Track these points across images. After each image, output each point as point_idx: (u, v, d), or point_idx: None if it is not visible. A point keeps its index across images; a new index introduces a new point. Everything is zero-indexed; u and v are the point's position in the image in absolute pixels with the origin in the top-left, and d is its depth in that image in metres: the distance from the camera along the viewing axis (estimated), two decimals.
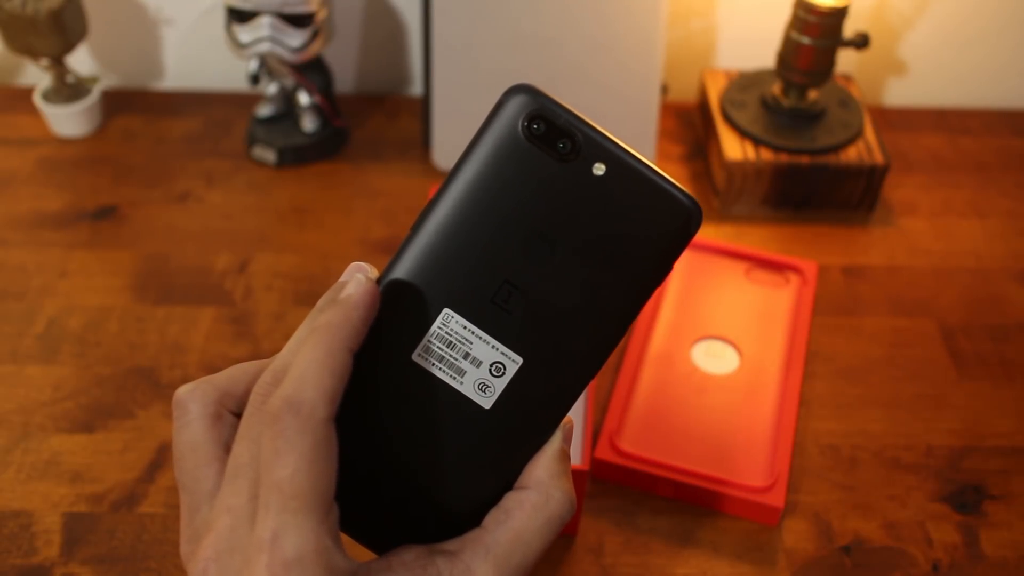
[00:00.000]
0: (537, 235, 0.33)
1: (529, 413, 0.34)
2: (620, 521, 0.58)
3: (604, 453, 0.59)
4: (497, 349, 0.34)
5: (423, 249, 0.34)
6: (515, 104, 0.33)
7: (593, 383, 0.59)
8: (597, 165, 0.33)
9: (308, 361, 0.31)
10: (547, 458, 0.34)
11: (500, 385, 0.34)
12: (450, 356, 0.34)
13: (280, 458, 0.30)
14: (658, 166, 0.33)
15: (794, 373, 0.65)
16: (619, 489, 0.59)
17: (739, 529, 0.58)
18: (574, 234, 0.33)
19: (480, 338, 0.34)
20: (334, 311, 0.32)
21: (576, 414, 0.59)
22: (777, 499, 0.57)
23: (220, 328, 0.68)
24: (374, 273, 0.34)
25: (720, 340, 0.67)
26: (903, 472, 0.61)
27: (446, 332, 0.34)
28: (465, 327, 0.34)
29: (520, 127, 0.33)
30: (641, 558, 0.56)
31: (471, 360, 0.34)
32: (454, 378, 0.34)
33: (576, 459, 0.57)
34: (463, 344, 0.34)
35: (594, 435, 0.60)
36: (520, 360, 0.34)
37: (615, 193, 0.33)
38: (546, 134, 0.33)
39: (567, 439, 0.35)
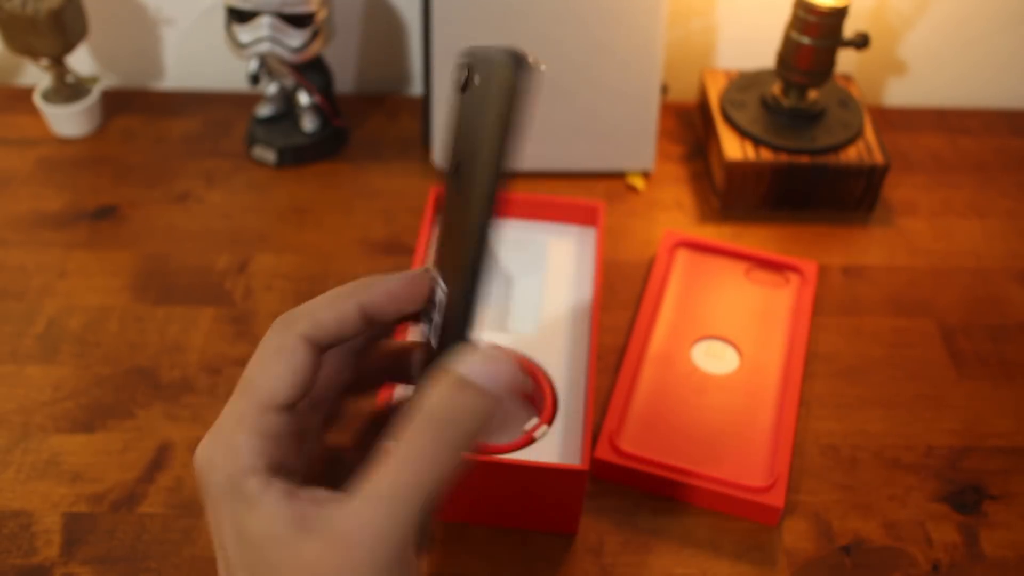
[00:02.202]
0: (455, 169, 0.35)
1: (450, 335, 0.35)
2: (620, 521, 0.58)
3: (604, 453, 0.59)
4: (441, 288, 0.36)
5: None
6: (456, 70, 0.35)
7: (593, 382, 0.59)
8: (476, 77, 0.33)
9: (326, 297, 0.36)
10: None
11: (439, 319, 0.36)
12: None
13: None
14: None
15: (794, 373, 0.65)
16: (619, 489, 0.59)
17: (739, 529, 0.58)
18: (464, 148, 0.34)
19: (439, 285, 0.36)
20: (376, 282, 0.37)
21: (576, 414, 0.59)
22: (777, 499, 0.57)
23: (220, 328, 0.68)
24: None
25: (720, 340, 0.67)
26: (903, 472, 0.61)
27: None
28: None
29: (458, 84, 0.35)
30: (641, 558, 0.56)
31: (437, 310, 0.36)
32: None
33: (576, 459, 0.57)
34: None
35: (594, 435, 0.60)
36: (445, 289, 0.36)
37: (480, 89, 0.33)
38: (466, 78, 0.34)
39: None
